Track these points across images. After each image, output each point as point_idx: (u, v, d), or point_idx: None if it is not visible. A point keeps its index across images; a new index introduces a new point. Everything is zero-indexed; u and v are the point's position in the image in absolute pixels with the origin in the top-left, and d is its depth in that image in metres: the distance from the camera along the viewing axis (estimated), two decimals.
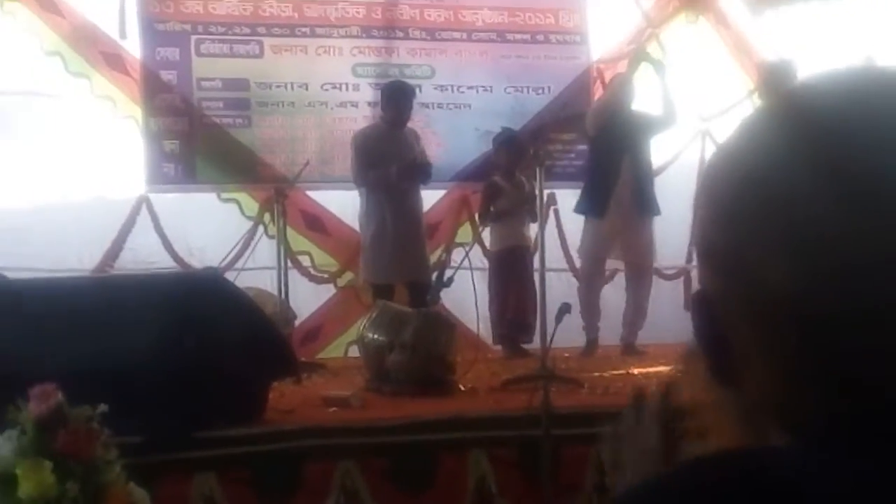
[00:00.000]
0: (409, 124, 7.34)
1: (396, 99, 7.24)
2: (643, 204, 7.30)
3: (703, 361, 0.73)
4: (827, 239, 0.65)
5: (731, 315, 0.70)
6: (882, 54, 7.61)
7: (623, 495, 0.74)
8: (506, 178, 7.55)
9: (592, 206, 7.39)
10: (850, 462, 0.66)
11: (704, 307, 0.73)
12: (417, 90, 7.64)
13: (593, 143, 7.65)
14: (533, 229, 7.50)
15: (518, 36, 8.47)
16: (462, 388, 5.76)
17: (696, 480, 0.70)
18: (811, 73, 0.73)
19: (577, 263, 8.03)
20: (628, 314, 7.53)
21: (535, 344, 6.82)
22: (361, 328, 5.95)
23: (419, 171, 7.20)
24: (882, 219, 0.64)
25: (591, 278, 7.55)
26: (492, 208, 7.52)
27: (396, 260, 7.15)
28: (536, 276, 7.64)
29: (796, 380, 0.68)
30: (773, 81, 7.08)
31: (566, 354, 7.07)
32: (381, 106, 7.39)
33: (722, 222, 0.70)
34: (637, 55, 7.78)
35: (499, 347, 7.62)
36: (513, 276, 7.54)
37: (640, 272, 7.48)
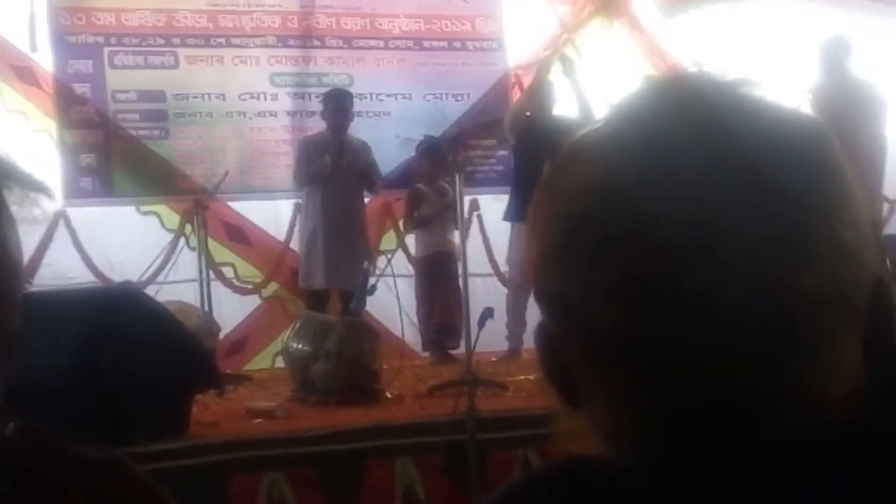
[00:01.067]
0: None
1: (328, 105, 7.37)
2: None
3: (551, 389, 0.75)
4: (648, 281, 0.65)
5: (569, 351, 0.71)
6: (788, 56, 7.80)
7: (490, 499, 0.76)
8: (429, 185, 7.58)
9: (517, 212, 7.39)
10: (665, 485, 0.68)
11: (546, 341, 0.73)
12: None
13: (515, 150, 7.71)
14: (458, 235, 7.54)
15: (435, 43, 8.49)
16: (388, 396, 5.76)
17: (538, 486, 0.73)
18: (620, 101, 0.73)
19: (503, 269, 8.07)
20: None
21: (463, 349, 6.85)
22: (286, 338, 5.92)
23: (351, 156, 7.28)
24: (701, 262, 0.65)
25: (519, 287, 7.55)
26: (416, 214, 7.55)
27: (329, 266, 7.17)
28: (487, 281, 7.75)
29: (627, 413, 0.69)
30: None
31: (493, 359, 7.10)
32: (321, 114, 7.48)
33: (550, 264, 0.71)
34: (545, 59, 7.88)
35: (427, 354, 7.63)
36: (439, 281, 7.56)
37: None
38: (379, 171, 7.51)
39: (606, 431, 0.71)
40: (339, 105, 7.35)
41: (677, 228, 0.65)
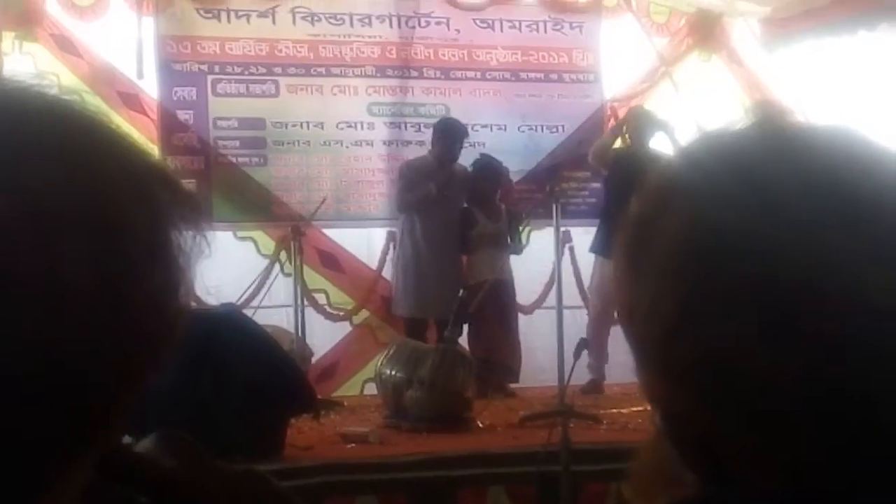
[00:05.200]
0: None
1: (446, 137, 7.46)
2: None
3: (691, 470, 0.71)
4: (801, 322, 0.64)
5: (718, 422, 0.67)
6: (890, 90, 7.65)
7: None
8: (482, 207, 7.48)
9: (604, 245, 7.30)
10: None
11: (682, 429, 0.70)
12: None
13: (606, 183, 7.68)
14: (514, 261, 7.46)
15: (532, 75, 8.51)
16: (480, 425, 5.75)
17: None
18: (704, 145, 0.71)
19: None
20: None
21: (545, 382, 6.80)
22: (379, 364, 5.96)
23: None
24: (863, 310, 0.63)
25: (601, 318, 7.42)
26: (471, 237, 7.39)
27: (426, 295, 7.20)
28: (545, 313, 7.65)
29: (777, 460, 0.66)
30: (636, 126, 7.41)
31: (577, 391, 7.02)
32: (431, 141, 7.60)
33: (692, 328, 0.66)
34: (639, 121, 7.75)
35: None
36: (489, 312, 7.10)
37: None
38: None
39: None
40: (456, 140, 7.46)
41: (815, 272, 0.63)
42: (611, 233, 7.21)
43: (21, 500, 0.59)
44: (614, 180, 7.41)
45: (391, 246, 8.02)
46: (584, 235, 8.09)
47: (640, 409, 6.28)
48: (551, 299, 7.35)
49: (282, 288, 7.60)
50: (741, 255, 0.65)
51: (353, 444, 5.24)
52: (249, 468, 0.81)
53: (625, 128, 7.80)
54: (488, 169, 7.57)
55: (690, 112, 8.00)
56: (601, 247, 7.43)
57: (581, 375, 7.19)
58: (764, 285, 0.64)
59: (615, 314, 7.32)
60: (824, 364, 0.64)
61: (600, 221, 7.62)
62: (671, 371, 0.68)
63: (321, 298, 8.03)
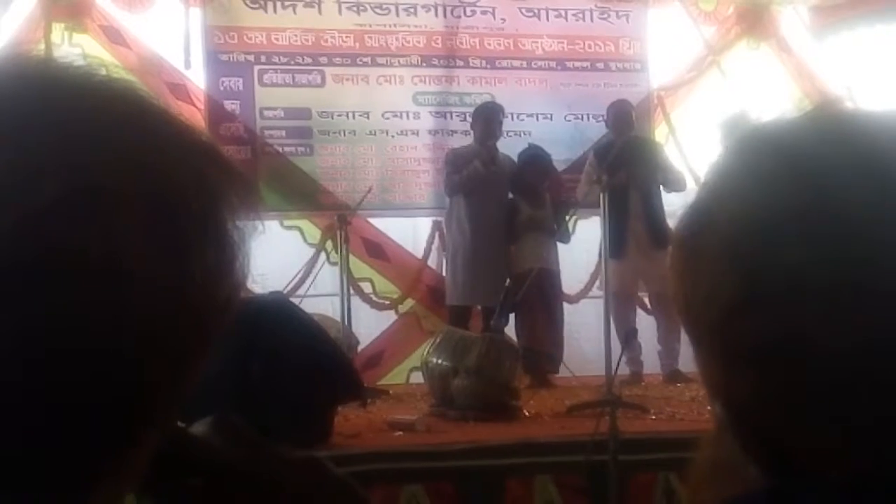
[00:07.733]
0: None
1: (480, 117, 7.48)
2: (657, 237, 7.16)
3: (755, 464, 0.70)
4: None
5: (782, 409, 0.66)
6: None
7: None
8: (527, 197, 7.44)
9: (611, 247, 6.74)
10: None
11: (740, 415, 0.68)
12: None
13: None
14: (562, 249, 7.41)
15: (578, 64, 8.48)
16: (527, 414, 5.74)
17: None
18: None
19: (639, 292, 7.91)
20: (664, 341, 7.29)
21: (590, 371, 6.75)
22: (426, 353, 5.96)
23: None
24: None
25: (621, 316, 7.11)
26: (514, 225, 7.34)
27: (473, 282, 7.18)
28: (590, 302, 7.60)
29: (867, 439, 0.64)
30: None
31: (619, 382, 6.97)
32: (471, 126, 7.60)
33: (753, 311, 0.65)
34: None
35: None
36: (533, 300, 7.10)
37: (665, 298, 7.15)
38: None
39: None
40: (491, 116, 7.43)
41: (873, 258, 0.63)
42: (611, 234, 6.90)
43: (80, 481, 0.59)
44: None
45: (436, 235, 8.03)
46: None
47: (687, 398, 6.26)
48: (597, 289, 7.30)
49: (328, 277, 7.64)
50: (797, 243, 0.64)
51: (400, 433, 5.24)
52: (308, 454, 0.80)
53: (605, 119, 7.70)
54: (535, 159, 7.53)
55: (738, 101, 7.92)
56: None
57: (622, 367, 7.14)
58: (821, 271, 0.63)
59: (635, 309, 7.28)
60: (889, 351, 0.62)
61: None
62: (733, 356, 0.67)
63: (367, 287, 8.06)
